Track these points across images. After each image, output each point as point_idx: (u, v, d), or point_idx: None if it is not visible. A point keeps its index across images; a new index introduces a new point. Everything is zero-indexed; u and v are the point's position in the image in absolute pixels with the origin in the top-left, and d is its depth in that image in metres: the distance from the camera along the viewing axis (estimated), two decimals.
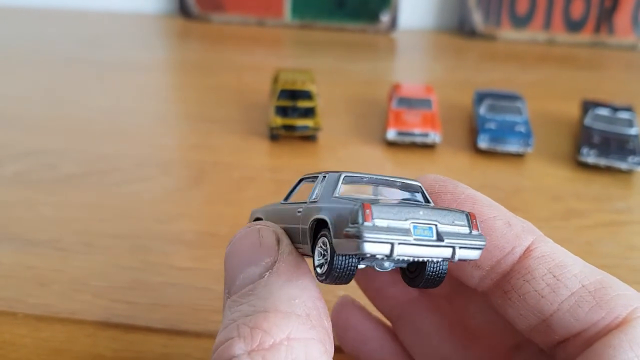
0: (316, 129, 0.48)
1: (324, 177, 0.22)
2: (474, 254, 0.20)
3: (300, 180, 0.24)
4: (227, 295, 0.20)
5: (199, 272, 0.35)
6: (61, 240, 0.37)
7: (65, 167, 0.45)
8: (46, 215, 0.39)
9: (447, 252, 0.19)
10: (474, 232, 0.20)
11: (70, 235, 0.37)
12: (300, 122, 0.48)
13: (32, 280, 0.34)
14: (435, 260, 0.20)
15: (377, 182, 0.22)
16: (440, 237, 0.19)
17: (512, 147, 0.47)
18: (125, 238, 0.37)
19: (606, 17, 0.74)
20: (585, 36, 0.75)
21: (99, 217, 0.39)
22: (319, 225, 0.20)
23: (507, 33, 0.75)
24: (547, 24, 0.75)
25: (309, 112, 0.49)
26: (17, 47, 0.69)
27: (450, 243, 0.19)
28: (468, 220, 0.20)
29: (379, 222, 0.18)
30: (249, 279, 0.20)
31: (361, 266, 0.20)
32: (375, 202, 0.19)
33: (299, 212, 0.22)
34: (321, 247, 0.20)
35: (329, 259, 0.19)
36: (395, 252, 0.18)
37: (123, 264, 0.35)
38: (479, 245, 0.20)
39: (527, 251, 0.21)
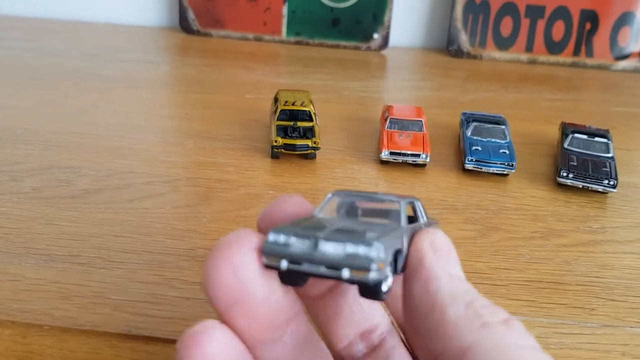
0: (315, 148, 0.51)
1: (412, 202, 0.25)
2: None
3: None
4: (455, 268, 0.22)
5: None
6: (81, 255, 0.40)
7: (80, 184, 0.47)
8: (65, 231, 0.42)
9: None
10: None
11: (89, 251, 0.40)
12: (300, 142, 0.51)
13: (56, 294, 0.36)
14: None
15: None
16: None
17: (497, 168, 0.51)
18: (141, 253, 0.40)
19: (586, 39, 0.78)
20: (565, 57, 0.79)
21: (114, 232, 0.42)
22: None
23: (492, 53, 0.79)
24: (530, 46, 0.79)
25: (308, 132, 0.52)
26: (23, 60, 0.72)
27: None
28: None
29: None
30: (461, 274, 0.22)
31: None
32: None
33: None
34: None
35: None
36: None
37: (140, 279, 0.38)
38: None
39: None
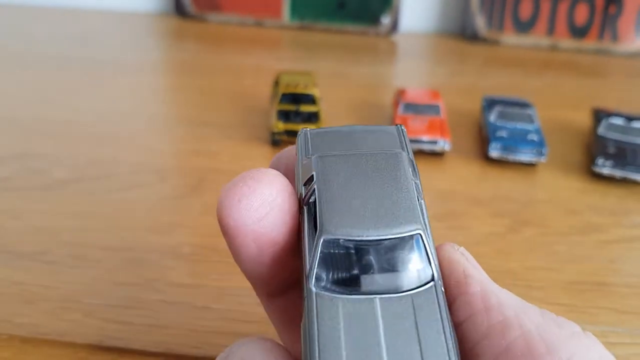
0: None
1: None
2: None
3: None
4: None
5: (198, 289, 0.33)
6: (50, 252, 0.34)
7: (55, 173, 0.42)
8: (34, 225, 0.37)
9: None
10: None
11: (60, 247, 0.35)
12: (304, 127, 0.46)
13: (18, 297, 0.31)
14: None
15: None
16: None
17: (525, 156, 0.45)
18: (120, 250, 0.35)
19: (610, 23, 0.73)
20: (589, 42, 0.73)
21: (91, 227, 0.37)
22: None
23: (510, 38, 0.73)
24: (551, 30, 0.73)
25: (313, 117, 0.47)
26: (6, 46, 0.67)
27: None
28: None
29: None
30: None
31: None
32: None
33: None
34: None
35: None
36: None
37: (117, 280, 0.33)
38: None
39: None
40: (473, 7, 0.73)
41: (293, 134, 0.46)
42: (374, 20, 0.73)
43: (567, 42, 0.73)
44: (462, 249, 0.19)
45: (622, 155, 0.45)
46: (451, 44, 0.73)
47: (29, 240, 0.35)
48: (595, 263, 0.36)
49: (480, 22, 0.73)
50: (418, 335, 0.17)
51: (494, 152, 0.45)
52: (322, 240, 0.18)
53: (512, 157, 0.45)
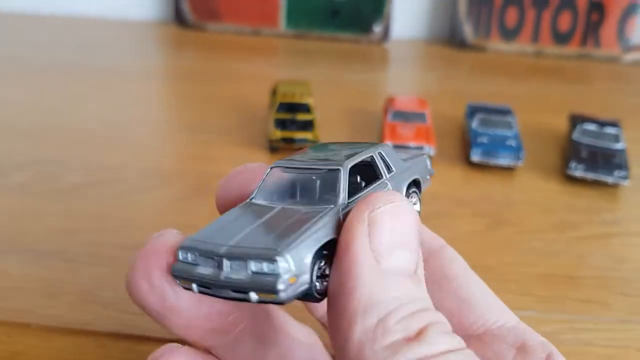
0: (315, 141, 0.50)
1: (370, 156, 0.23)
2: None
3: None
4: (396, 255, 0.18)
5: None
6: (68, 251, 0.38)
7: (69, 178, 0.45)
8: (52, 226, 0.40)
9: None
10: None
11: (77, 246, 0.38)
12: (299, 135, 0.49)
13: (43, 291, 0.35)
14: None
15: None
16: None
17: (504, 160, 0.49)
18: (132, 249, 0.38)
19: (592, 30, 0.76)
20: (572, 49, 0.77)
21: (103, 227, 0.40)
22: None
23: (497, 45, 0.77)
24: (536, 37, 0.77)
25: (308, 125, 0.50)
26: (13, 54, 0.70)
27: None
28: None
29: None
30: (403, 263, 0.18)
31: None
32: None
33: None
34: None
35: None
36: None
37: None
38: None
39: None
40: (461, 15, 0.76)
41: (289, 141, 0.49)
42: (367, 28, 0.77)
43: (551, 49, 0.77)
44: (381, 209, 0.18)
45: (593, 159, 0.48)
46: (440, 51, 0.77)
47: (49, 239, 0.39)
48: (567, 258, 0.40)
49: (467, 30, 0.77)
50: (281, 227, 0.19)
51: (475, 157, 0.49)
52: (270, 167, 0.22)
53: (492, 161, 0.49)
